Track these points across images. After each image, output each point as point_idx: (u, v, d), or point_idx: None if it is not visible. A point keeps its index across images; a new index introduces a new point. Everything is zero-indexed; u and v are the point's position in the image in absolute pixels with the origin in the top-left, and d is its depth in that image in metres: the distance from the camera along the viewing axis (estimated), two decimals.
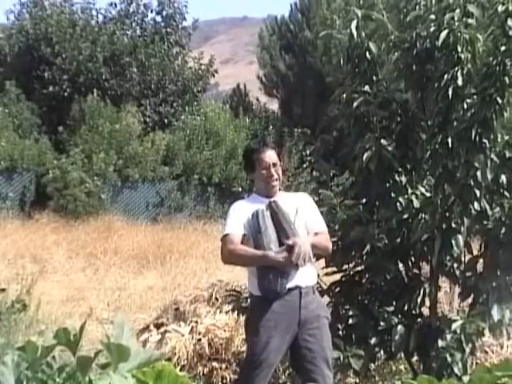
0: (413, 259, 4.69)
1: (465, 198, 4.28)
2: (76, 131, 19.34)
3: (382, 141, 4.46)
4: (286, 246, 3.59)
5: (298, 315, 3.65)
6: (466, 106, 4.29)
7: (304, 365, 3.68)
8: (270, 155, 3.83)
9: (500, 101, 4.15)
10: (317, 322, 3.71)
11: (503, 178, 4.32)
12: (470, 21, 4.25)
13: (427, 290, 4.61)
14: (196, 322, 5.71)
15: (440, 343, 4.34)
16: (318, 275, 4.75)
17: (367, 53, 4.51)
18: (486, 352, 5.77)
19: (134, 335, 1.91)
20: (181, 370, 5.11)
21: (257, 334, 3.64)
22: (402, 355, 4.90)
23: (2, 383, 1.68)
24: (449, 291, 6.14)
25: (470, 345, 4.37)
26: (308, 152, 4.94)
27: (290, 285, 3.65)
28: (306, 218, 3.79)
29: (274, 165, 3.81)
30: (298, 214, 3.76)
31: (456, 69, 4.20)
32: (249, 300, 4.03)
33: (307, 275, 3.72)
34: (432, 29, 4.34)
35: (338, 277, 4.76)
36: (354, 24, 4.46)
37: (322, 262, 4.70)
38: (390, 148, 4.47)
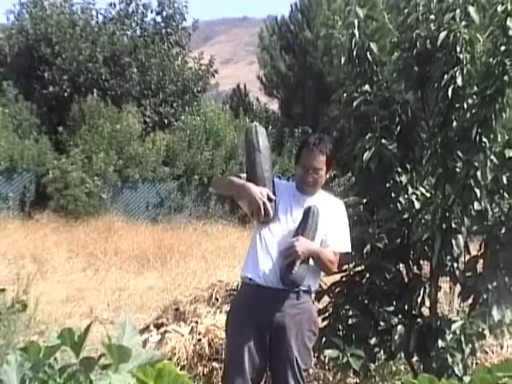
0: (413, 259, 4.69)
1: (465, 198, 4.28)
2: (76, 131, 19.35)
3: (383, 141, 4.46)
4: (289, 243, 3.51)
5: (272, 317, 3.51)
6: (466, 106, 4.29)
7: (273, 373, 3.62)
8: (316, 159, 3.58)
9: (500, 100, 4.16)
10: (295, 330, 3.55)
11: (503, 177, 4.32)
12: (469, 21, 4.25)
13: (427, 290, 4.61)
14: (196, 322, 5.71)
15: (440, 343, 4.33)
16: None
17: (368, 53, 4.51)
18: (487, 352, 5.77)
19: (136, 334, 1.91)
20: (181, 370, 5.11)
21: (232, 334, 3.63)
22: (402, 355, 4.90)
23: (5, 382, 1.69)
24: (449, 291, 6.14)
25: (470, 345, 4.36)
26: None
27: (267, 275, 3.52)
28: (329, 232, 3.63)
29: (315, 170, 3.60)
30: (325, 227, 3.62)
31: (456, 69, 4.20)
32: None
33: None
34: (432, 29, 4.34)
35: (338, 277, 4.76)
36: (355, 24, 4.46)
37: None
38: (390, 148, 4.47)
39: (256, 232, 3.66)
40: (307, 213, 3.60)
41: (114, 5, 22.83)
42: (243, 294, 3.67)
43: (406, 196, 4.52)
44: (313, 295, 3.71)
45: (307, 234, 3.55)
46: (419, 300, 4.62)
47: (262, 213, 3.52)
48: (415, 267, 4.70)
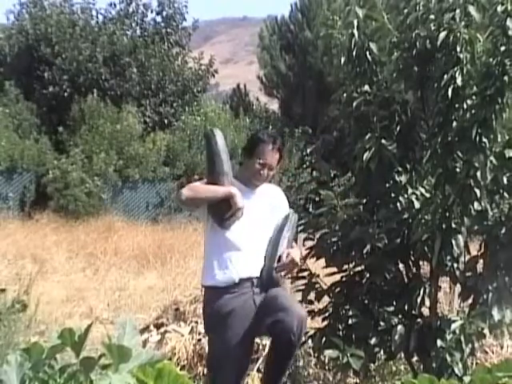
0: (413, 259, 4.69)
1: (465, 198, 4.27)
2: (76, 131, 19.37)
3: (383, 141, 4.46)
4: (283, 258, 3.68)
5: (253, 305, 3.59)
6: (465, 106, 4.29)
7: (267, 319, 3.49)
8: (273, 156, 3.78)
9: (500, 101, 4.15)
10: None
11: (503, 178, 4.31)
12: (469, 21, 4.25)
13: (427, 290, 4.61)
14: (196, 322, 5.72)
15: (440, 343, 4.33)
16: (318, 275, 4.77)
17: (368, 53, 4.51)
18: (486, 352, 5.77)
19: (137, 335, 1.91)
20: (181, 370, 5.11)
21: (215, 333, 3.61)
22: (402, 355, 4.90)
23: (5, 382, 1.69)
24: (449, 291, 6.14)
25: (470, 345, 4.36)
26: (308, 152, 4.86)
27: (243, 275, 3.61)
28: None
29: (271, 167, 3.78)
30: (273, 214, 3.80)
31: (456, 69, 4.20)
32: (203, 293, 3.94)
33: (260, 266, 3.69)
34: (432, 29, 4.34)
35: (338, 277, 4.76)
36: (355, 24, 4.46)
37: (320, 262, 4.71)
38: (390, 148, 4.47)
39: (215, 236, 3.71)
40: (290, 221, 3.78)
41: (114, 5, 22.90)
42: (218, 297, 3.63)
43: (406, 196, 4.51)
44: None
45: (291, 240, 3.75)
46: (419, 300, 4.62)
47: (239, 214, 3.65)
48: (415, 267, 4.70)
